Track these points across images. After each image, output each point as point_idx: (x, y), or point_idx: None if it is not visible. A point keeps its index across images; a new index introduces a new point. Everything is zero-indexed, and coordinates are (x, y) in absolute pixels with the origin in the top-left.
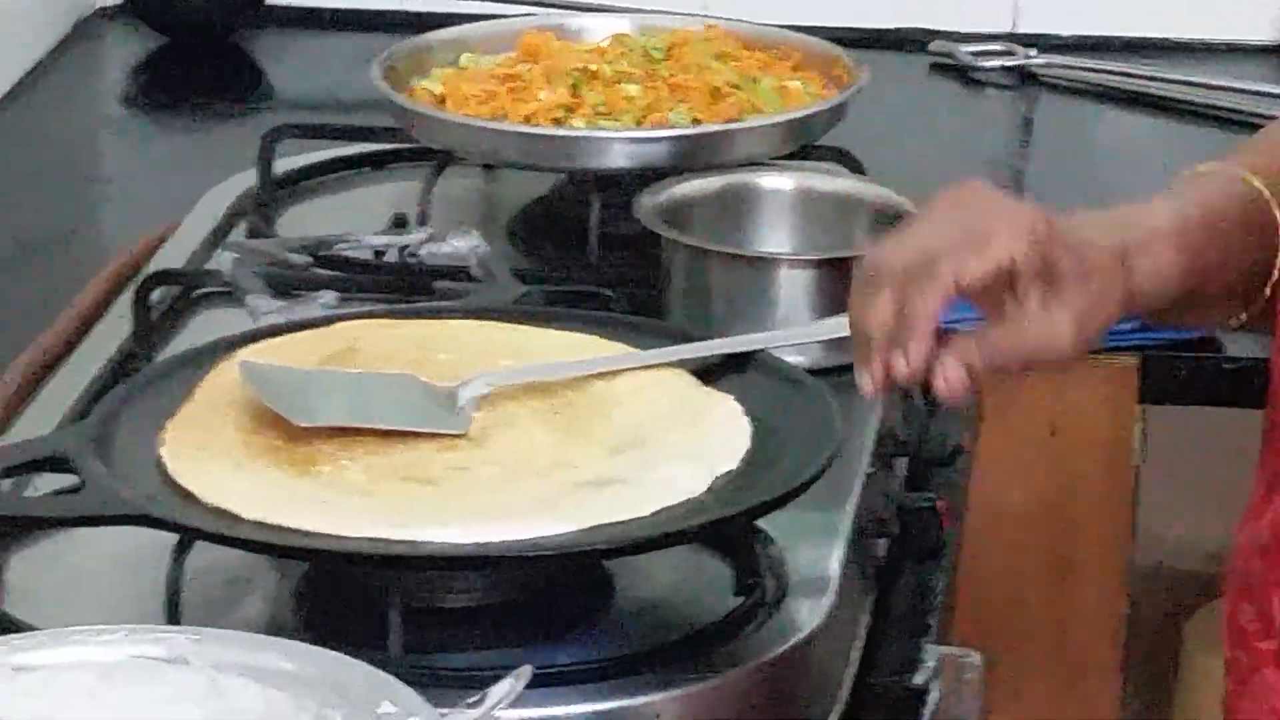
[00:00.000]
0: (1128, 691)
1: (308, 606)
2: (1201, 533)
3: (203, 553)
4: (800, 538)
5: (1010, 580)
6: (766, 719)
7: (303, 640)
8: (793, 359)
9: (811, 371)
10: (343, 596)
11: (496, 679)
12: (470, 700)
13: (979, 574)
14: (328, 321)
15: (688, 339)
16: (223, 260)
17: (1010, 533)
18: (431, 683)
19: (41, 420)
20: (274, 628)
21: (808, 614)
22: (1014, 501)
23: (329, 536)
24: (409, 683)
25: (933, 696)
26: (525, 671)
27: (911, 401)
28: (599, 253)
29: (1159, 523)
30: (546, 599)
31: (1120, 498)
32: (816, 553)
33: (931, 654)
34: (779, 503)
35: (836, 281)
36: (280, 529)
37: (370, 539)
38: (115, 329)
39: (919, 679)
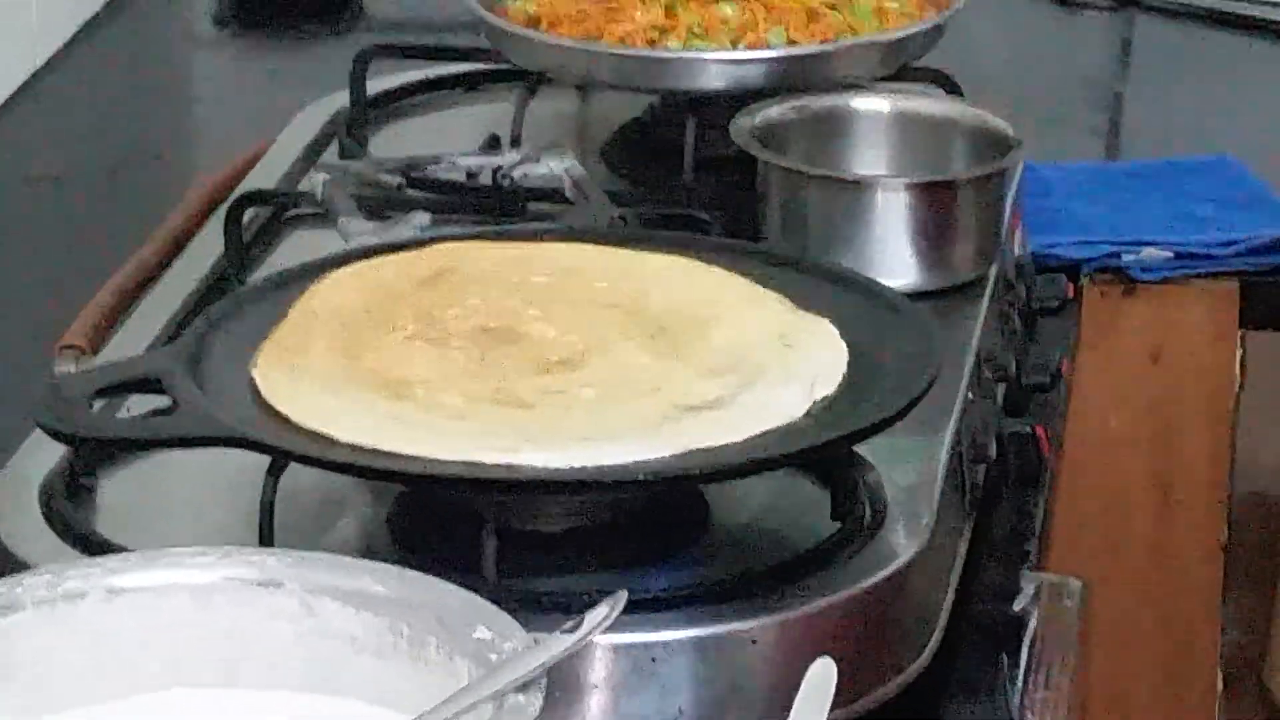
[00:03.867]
0: (1227, 619)
1: (401, 530)
2: None
3: (295, 475)
4: (898, 463)
5: (1109, 507)
6: (863, 646)
7: (396, 564)
8: (892, 283)
9: (909, 295)
10: (436, 520)
11: (591, 604)
12: (566, 625)
13: (1077, 500)
14: (421, 243)
15: (783, 262)
16: (314, 181)
17: (1109, 459)
18: (525, 607)
19: (133, 342)
20: (367, 551)
21: (905, 540)
22: (1113, 427)
23: (425, 460)
24: (503, 607)
25: (1031, 624)
26: (621, 596)
27: (1011, 325)
28: (693, 175)
29: (1258, 449)
30: (642, 523)
31: (1221, 424)
32: (914, 479)
33: (1030, 581)
34: (878, 427)
35: (932, 204)
36: (376, 452)
37: (466, 462)
38: (207, 250)
39: (1017, 606)
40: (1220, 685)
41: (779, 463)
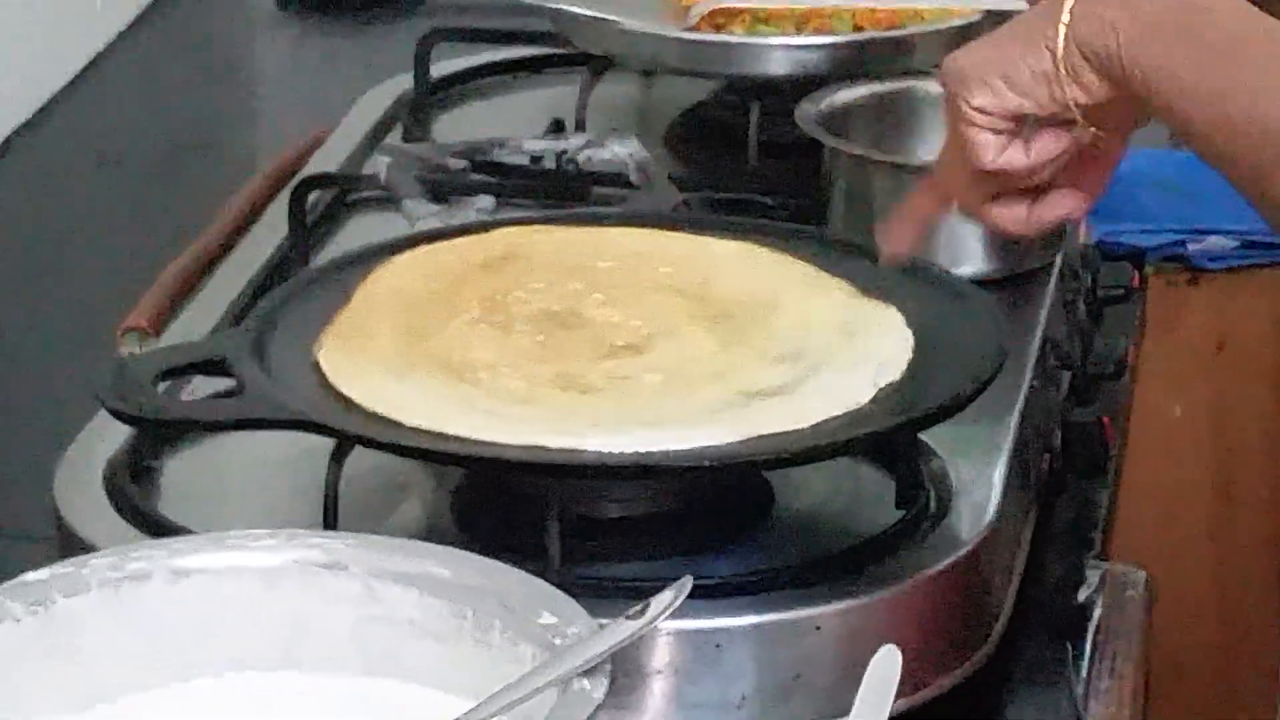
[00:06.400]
0: None
1: (464, 514)
2: None
3: (358, 459)
4: (962, 451)
5: (1171, 497)
6: (927, 634)
7: (459, 549)
8: (957, 270)
9: (975, 282)
10: (500, 504)
11: (654, 590)
12: (631, 611)
13: (1140, 489)
14: (485, 227)
15: (848, 248)
16: (378, 164)
17: (1172, 448)
18: (589, 593)
19: (197, 324)
20: (430, 535)
21: (970, 529)
22: (1176, 417)
23: (489, 444)
24: (567, 592)
25: (1096, 613)
26: (686, 582)
27: (1076, 314)
28: (758, 160)
29: None
30: (705, 509)
31: None
32: (979, 467)
33: (1095, 571)
34: (944, 414)
35: None
36: (440, 435)
37: (531, 446)
38: (270, 233)
39: (1082, 596)
40: None
41: (844, 449)
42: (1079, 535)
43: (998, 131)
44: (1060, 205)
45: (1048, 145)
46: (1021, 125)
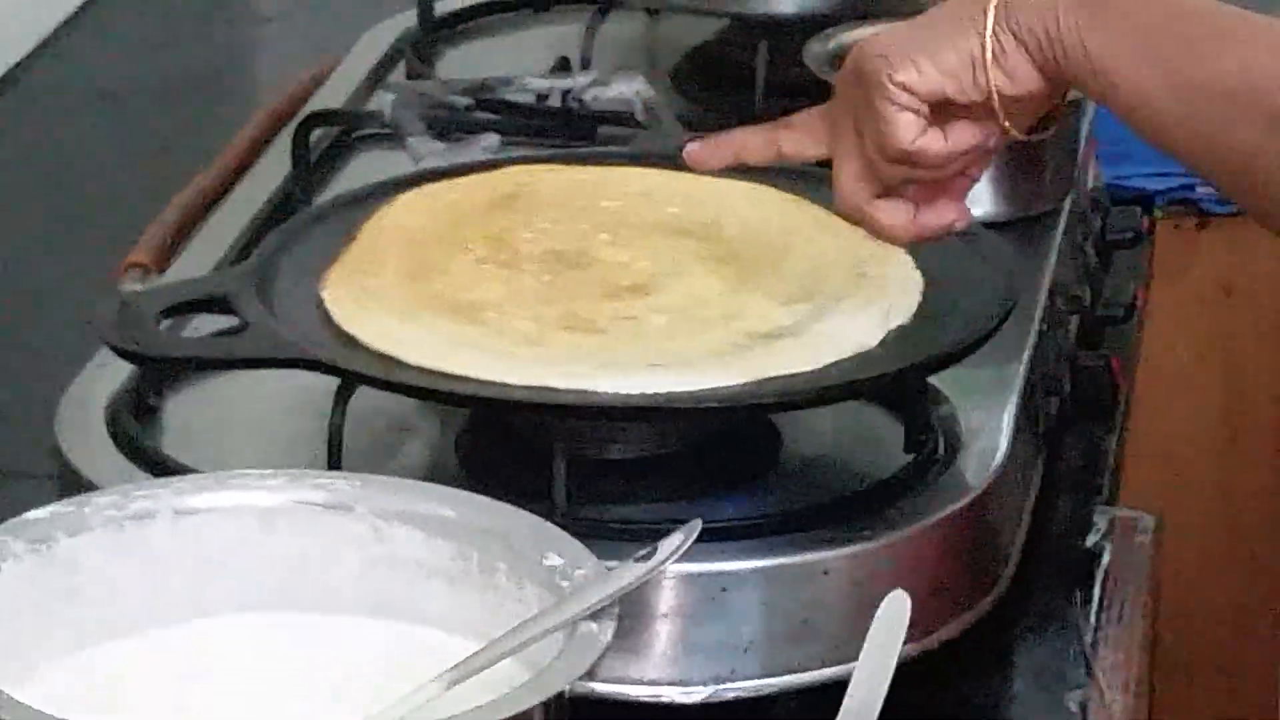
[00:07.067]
0: None
1: (468, 456)
2: None
3: (361, 399)
4: (971, 394)
5: (1178, 441)
6: (936, 579)
7: (464, 489)
8: (974, 212)
9: (984, 225)
10: (505, 446)
11: (661, 533)
12: (639, 554)
13: (1148, 434)
14: (492, 165)
15: None
16: (383, 101)
17: (1179, 392)
18: (594, 534)
19: (199, 261)
20: (434, 477)
21: (979, 472)
22: (1184, 361)
23: (497, 384)
24: (572, 534)
25: (1105, 559)
26: (695, 525)
27: (1085, 258)
28: (765, 100)
29: None
30: (712, 452)
31: None
32: (988, 410)
33: (1103, 515)
34: (955, 357)
35: None
36: (447, 376)
37: (539, 387)
38: (274, 169)
39: (1090, 541)
40: None
41: (854, 391)
42: (1087, 480)
43: (917, 113)
44: (946, 214)
45: (964, 136)
46: (940, 112)
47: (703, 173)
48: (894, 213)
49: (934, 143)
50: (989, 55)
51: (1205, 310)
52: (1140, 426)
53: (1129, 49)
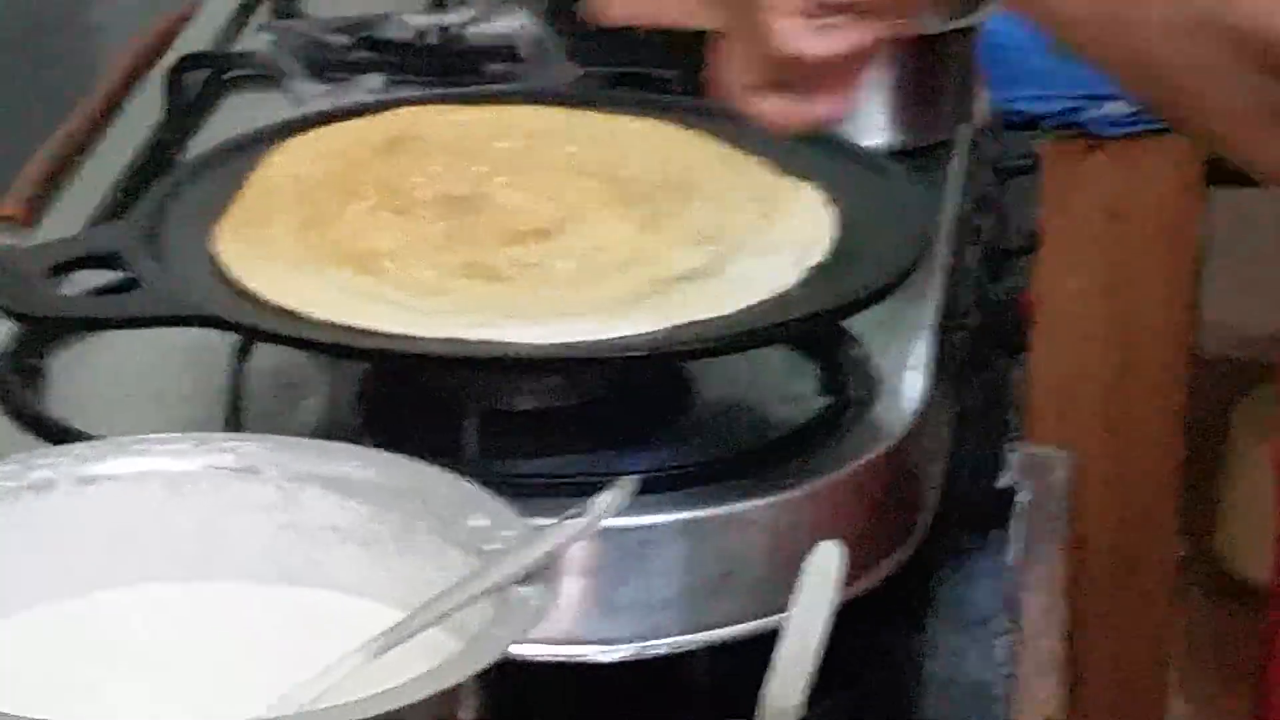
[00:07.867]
0: (1186, 483)
1: (371, 412)
2: (1265, 319)
3: (256, 356)
4: (881, 334)
5: (1072, 373)
6: (859, 526)
7: (369, 448)
8: (869, 142)
9: (890, 154)
10: (408, 401)
11: (575, 487)
12: (569, 511)
13: (1041, 367)
14: (380, 107)
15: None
16: (258, 41)
17: (1070, 321)
18: (508, 491)
19: (73, 212)
20: (335, 435)
21: (897, 415)
22: (1073, 290)
23: (405, 337)
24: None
25: (1021, 497)
26: (629, 482)
27: (983, 187)
28: (646, 31)
29: (1221, 310)
30: (621, 401)
31: (1183, 284)
32: (900, 350)
33: (1015, 454)
34: (879, 295)
35: (911, 56)
36: (353, 330)
37: (449, 339)
38: (145, 114)
39: (1004, 481)
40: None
41: (778, 336)
42: (996, 418)
43: (796, 15)
44: (823, 105)
45: (845, 36)
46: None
47: (606, 22)
48: (774, 103)
49: (814, 46)
50: None
51: (1093, 236)
52: (1033, 359)
53: None
